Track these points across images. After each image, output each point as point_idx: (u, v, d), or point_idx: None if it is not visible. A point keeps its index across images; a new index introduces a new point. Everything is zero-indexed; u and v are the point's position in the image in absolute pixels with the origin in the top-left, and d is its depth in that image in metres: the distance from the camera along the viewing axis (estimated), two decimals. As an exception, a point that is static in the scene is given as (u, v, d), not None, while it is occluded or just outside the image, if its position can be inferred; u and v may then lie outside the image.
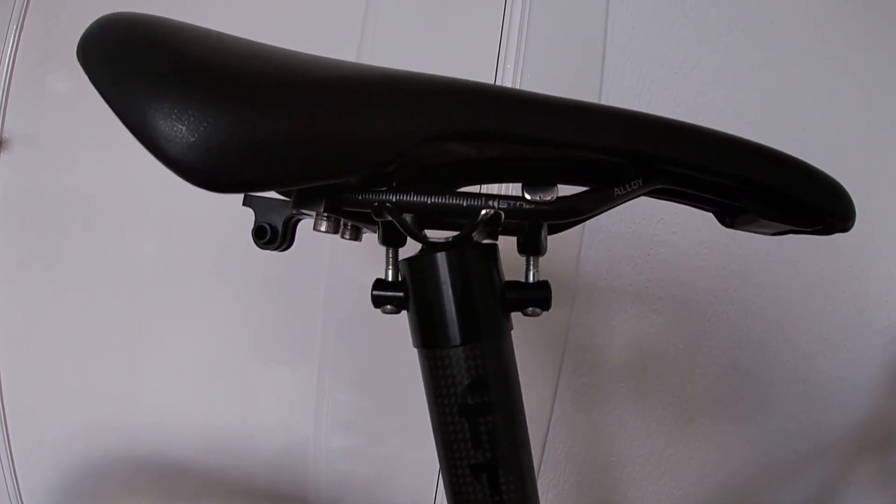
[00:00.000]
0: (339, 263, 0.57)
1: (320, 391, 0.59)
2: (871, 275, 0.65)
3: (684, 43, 0.56)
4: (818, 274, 0.62)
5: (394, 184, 0.22)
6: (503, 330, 0.24)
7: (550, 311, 0.24)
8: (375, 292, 0.24)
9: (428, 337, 0.24)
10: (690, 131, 0.23)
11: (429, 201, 0.22)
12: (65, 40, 0.64)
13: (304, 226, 0.27)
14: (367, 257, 0.57)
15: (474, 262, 0.24)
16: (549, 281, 0.25)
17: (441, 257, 0.23)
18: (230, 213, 0.57)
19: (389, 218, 0.22)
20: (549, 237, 0.26)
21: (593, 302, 0.55)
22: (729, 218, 0.28)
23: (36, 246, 0.66)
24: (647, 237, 0.56)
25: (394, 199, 0.22)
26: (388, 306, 0.25)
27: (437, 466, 0.57)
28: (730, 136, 0.23)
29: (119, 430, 0.67)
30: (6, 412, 0.70)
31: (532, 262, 0.25)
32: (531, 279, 0.25)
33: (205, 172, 0.16)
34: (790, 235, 0.27)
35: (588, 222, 0.55)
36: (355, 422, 0.60)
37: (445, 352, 0.23)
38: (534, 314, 0.25)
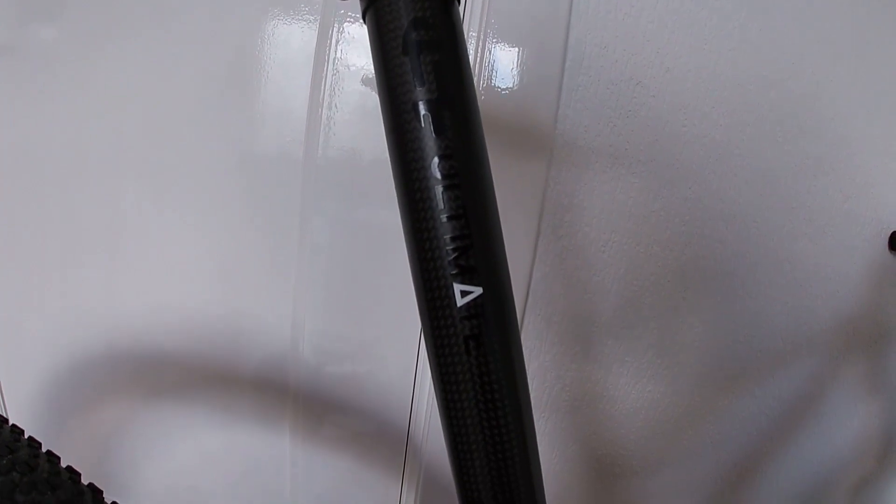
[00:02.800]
0: (318, 181, 0.56)
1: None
2: (856, 162, 0.65)
3: None
4: (802, 153, 0.62)
5: None
6: None
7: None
8: None
9: None
10: None
11: None
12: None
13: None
14: (342, 178, 0.56)
15: None
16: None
17: None
18: (215, 117, 0.57)
19: None
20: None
21: (572, 161, 0.54)
22: None
23: (12, 149, 0.65)
24: (626, 99, 0.55)
25: None
26: None
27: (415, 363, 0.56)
28: None
29: (99, 327, 0.65)
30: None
31: None
32: None
33: None
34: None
35: (564, 80, 0.54)
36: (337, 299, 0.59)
37: None
38: None
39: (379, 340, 0.61)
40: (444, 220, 0.22)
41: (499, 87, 0.53)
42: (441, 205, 0.22)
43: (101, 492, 0.36)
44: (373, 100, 0.56)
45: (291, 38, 0.55)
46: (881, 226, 0.67)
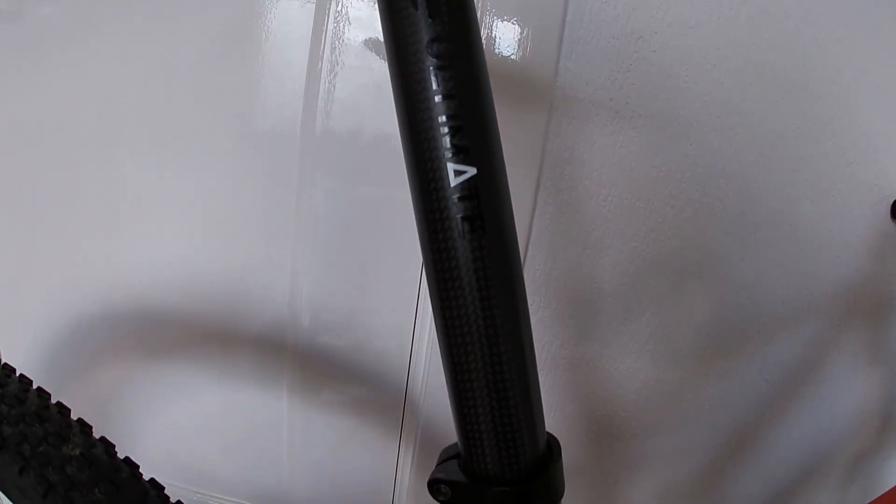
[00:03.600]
0: (316, 149, 0.56)
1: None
2: (859, 127, 0.64)
3: None
4: (804, 115, 0.61)
5: None
6: None
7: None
8: None
9: None
10: None
11: None
12: None
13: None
14: (340, 147, 0.55)
15: None
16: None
17: None
18: (214, 78, 0.57)
19: None
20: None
21: (572, 115, 0.53)
22: None
23: (10, 111, 0.65)
24: (627, 53, 0.54)
25: None
26: None
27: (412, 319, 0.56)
28: None
29: (98, 289, 0.65)
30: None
31: None
32: None
33: None
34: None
35: (565, 33, 0.54)
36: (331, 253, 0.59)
37: None
38: None
39: (376, 303, 0.60)
40: (438, 100, 0.21)
41: (499, 39, 0.53)
42: (434, 85, 0.21)
43: (91, 426, 0.36)
44: (373, 61, 0.55)
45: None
46: (884, 193, 0.67)
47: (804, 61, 0.59)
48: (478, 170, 0.22)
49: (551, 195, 0.54)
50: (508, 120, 0.53)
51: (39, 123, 0.63)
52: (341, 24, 0.55)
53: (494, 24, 0.53)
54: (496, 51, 0.53)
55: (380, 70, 0.55)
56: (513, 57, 0.53)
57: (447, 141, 0.21)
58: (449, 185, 0.22)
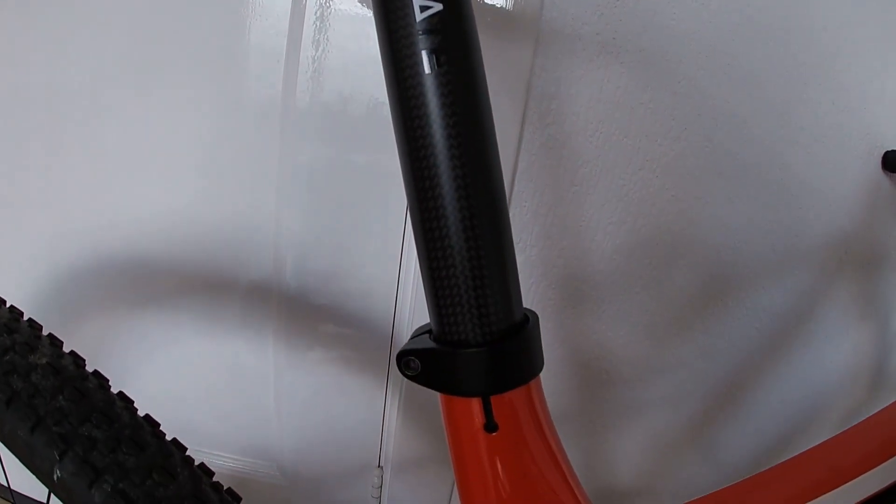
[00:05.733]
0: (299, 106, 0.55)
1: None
2: (849, 76, 0.64)
3: None
4: (793, 59, 0.61)
5: None
6: None
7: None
8: None
9: None
10: None
11: None
12: None
13: None
14: (323, 106, 0.55)
15: None
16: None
17: None
18: (198, 26, 0.56)
19: None
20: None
21: (558, 48, 0.53)
22: None
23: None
24: (614, -13, 0.54)
25: None
26: None
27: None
28: None
29: (83, 237, 0.64)
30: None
31: None
32: None
33: None
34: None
35: (551, -35, 0.53)
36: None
37: None
38: None
39: (361, 246, 0.60)
40: None
41: (485, -28, 0.52)
42: None
43: (62, 342, 0.35)
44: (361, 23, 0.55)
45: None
46: (874, 144, 0.66)
47: (792, 5, 0.59)
48: (444, 5, 0.21)
49: (537, 130, 0.53)
50: (493, 54, 0.52)
51: (25, 77, 0.62)
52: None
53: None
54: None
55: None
56: (498, -12, 0.52)
57: None
58: (415, 19, 0.21)
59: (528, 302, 0.58)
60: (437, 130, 0.22)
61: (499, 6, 0.52)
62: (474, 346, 0.24)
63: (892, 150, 0.66)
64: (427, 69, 0.21)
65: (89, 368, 0.34)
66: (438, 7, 0.21)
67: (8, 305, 0.36)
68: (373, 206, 0.58)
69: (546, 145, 0.54)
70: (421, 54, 0.21)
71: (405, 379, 0.26)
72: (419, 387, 0.26)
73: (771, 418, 0.71)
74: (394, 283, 0.60)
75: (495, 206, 0.24)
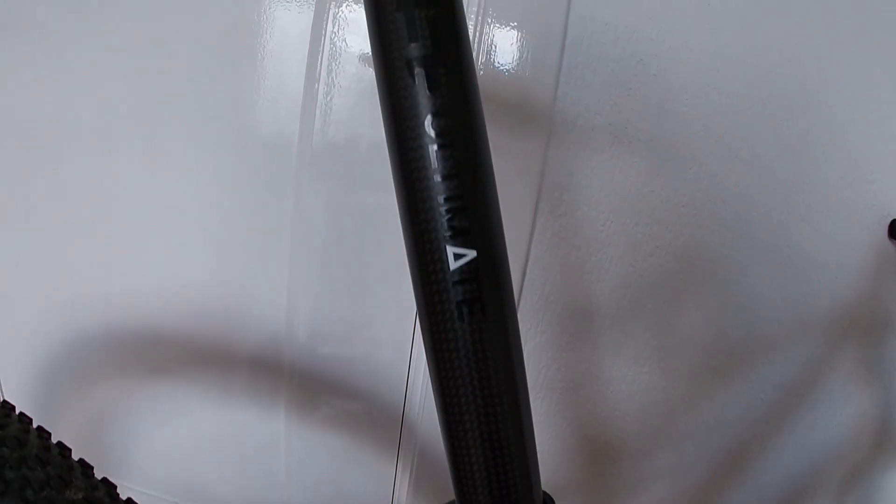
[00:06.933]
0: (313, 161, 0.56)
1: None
2: (856, 149, 0.64)
3: None
4: (802, 138, 0.61)
5: None
6: None
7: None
8: None
9: None
10: None
11: None
12: None
13: None
14: (337, 159, 0.55)
15: None
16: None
17: None
18: (209, 92, 0.56)
19: None
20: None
21: (571, 140, 0.53)
22: None
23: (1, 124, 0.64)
24: (627, 77, 0.54)
25: None
26: None
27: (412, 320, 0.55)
28: None
29: (93, 307, 0.65)
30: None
31: None
32: None
33: None
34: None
35: (565, 57, 0.54)
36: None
37: None
38: None
39: (374, 321, 0.60)
40: (438, 180, 0.21)
41: (498, 65, 0.53)
42: (434, 164, 0.21)
43: (92, 467, 0.36)
44: (370, 77, 0.55)
45: (289, 14, 0.55)
46: (881, 213, 0.67)
47: (802, 85, 0.59)
48: (478, 252, 0.21)
49: (549, 221, 0.54)
50: (507, 147, 0.52)
51: (32, 135, 0.63)
52: (340, 30, 0.55)
53: (493, 47, 0.53)
54: (495, 76, 0.53)
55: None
56: (512, 81, 0.52)
57: (447, 223, 0.21)
58: (448, 267, 0.21)
59: (538, 384, 0.59)
60: (470, 380, 0.22)
61: (512, 99, 0.52)
62: None
63: (899, 218, 0.66)
64: (459, 319, 0.21)
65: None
66: (472, 254, 0.21)
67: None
68: (386, 282, 0.58)
69: (558, 235, 0.54)
70: (453, 303, 0.21)
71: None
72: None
73: (776, 483, 0.72)
74: (406, 357, 0.60)
75: (522, 431, 0.24)
